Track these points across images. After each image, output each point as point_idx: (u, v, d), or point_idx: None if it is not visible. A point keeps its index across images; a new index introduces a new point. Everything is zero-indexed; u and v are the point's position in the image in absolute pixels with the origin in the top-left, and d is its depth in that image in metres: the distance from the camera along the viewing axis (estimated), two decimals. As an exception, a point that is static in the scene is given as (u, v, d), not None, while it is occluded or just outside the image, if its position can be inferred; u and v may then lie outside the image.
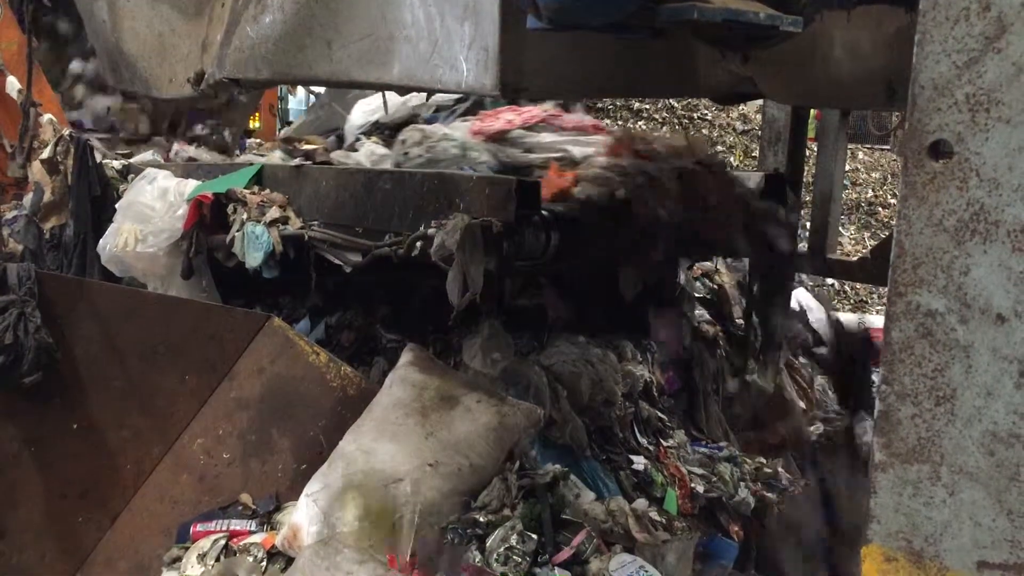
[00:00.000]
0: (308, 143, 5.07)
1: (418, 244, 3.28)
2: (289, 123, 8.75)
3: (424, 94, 4.51)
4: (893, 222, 1.28)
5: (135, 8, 3.22)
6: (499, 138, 4.24)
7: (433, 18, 2.03)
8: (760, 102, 4.76)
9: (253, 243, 3.80)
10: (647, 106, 9.67)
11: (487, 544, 2.81)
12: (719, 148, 9.29)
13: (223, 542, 3.08)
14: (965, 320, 1.20)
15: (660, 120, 9.63)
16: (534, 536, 2.79)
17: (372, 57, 2.24)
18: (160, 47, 3.14)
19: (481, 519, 2.92)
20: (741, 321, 4.74)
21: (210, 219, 4.05)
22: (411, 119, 5.02)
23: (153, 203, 4.15)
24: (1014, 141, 1.14)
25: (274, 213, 3.87)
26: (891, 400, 1.26)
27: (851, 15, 2.01)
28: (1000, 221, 1.16)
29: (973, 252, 1.18)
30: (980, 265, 1.18)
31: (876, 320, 5.01)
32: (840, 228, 7.64)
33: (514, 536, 2.77)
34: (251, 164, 4.35)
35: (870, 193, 8.77)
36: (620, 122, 9.68)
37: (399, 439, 3.11)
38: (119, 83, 3.67)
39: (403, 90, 4.02)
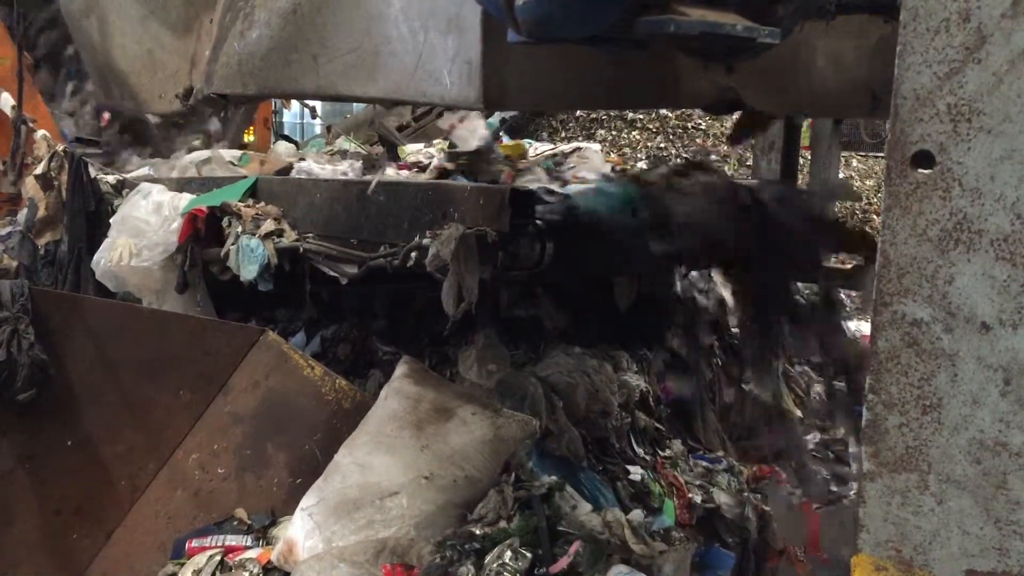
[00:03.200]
0: None
1: (413, 254, 3.28)
2: (284, 137, 8.72)
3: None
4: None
5: (125, 25, 3.23)
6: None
7: (417, 32, 2.05)
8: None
9: (248, 256, 3.80)
10: (640, 116, 9.70)
11: (485, 560, 2.81)
12: (713, 158, 9.29)
13: (218, 558, 3.07)
14: (950, 329, 1.20)
15: (653, 130, 9.65)
16: (528, 554, 2.78)
17: (358, 71, 2.25)
18: (150, 64, 3.15)
19: (477, 532, 2.92)
20: (737, 330, 4.74)
21: (205, 232, 4.05)
22: None
23: (147, 217, 4.15)
24: (996, 151, 1.15)
25: (269, 226, 3.87)
26: (878, 409, 1.26)
27: (833, 25, 2.02)
28: (983, 230, 1.17)
29: (957, 261, 1.19)
30: (964, 274, 1.19)
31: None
32: (835, 236, 7.64)
33: (508, 553, 2.77)
34: (244, 177, 4.36)
35: (864, 201, 8.79)
36: (614, 132, 9.69)
37: (394, 452, 3.11)
38: (110, 100, 3.68)
39: (389, 103, 4.02)
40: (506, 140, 6.68)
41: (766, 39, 1.80)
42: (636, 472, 3.90)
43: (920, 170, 1.21)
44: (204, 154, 5.26)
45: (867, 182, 8.95)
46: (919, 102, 1.20)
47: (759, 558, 3.72)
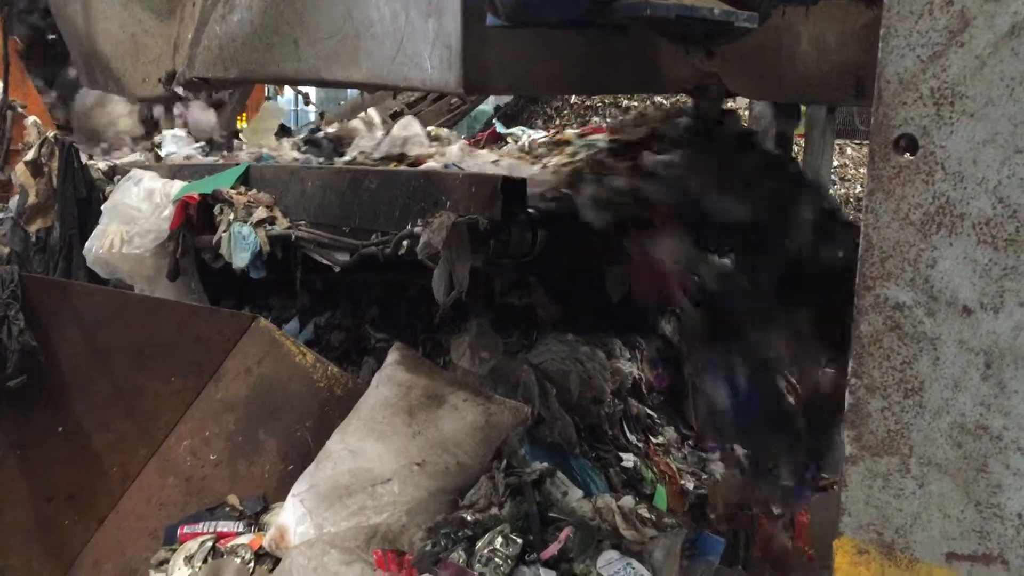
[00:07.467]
0: None
1: (404, 243, 3.28)
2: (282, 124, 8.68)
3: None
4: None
5: (108, 10, 3.22)
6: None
7: (398, 15, 2.03)
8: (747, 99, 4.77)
9: (240, 243, 3.79)
10: (635, 103, 9.67)
11: (476, 546, 2.81)
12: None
13: (210, 544, 3.07)
14: (932, 313, 1.20)
15: (649, 117, 9.60)
16: (519, 540, 2.79)
17: (339, 55, 2.24)
18: (133, 48, 3.14)
19: (469, 518, 2.92)
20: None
21: (197, 220, 4.04)
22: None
23: (139, 204, 4.14)
24: (978, 134, 1.15)
25: (261, 213, 3.86)
26: (860, 393, 1.27)
27: (813, 10, 2.01)
28: (965, 214, 1.17)
29: (939, 245, 1.19)
30: (946, 258, 1.19)
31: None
32: (829, 223, 7.64)
33: (499, 539, 2.77)
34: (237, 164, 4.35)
35: (858, 188, 8.78)
36: (608, 119, 9.68)
37: (386, 438, 3.11)
38: (94, 85, 3.66)
39: (371, 88, 3.98)
40: (500, 128, 6.67)
41: (744, 23, 1.80)
42: (628, 459, 3.92)
43: (903, 154, 1.21)
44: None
45: (861, 169, 8.94)
46: (902, 85, 1.20)
47: (749, 544, 3.73)
